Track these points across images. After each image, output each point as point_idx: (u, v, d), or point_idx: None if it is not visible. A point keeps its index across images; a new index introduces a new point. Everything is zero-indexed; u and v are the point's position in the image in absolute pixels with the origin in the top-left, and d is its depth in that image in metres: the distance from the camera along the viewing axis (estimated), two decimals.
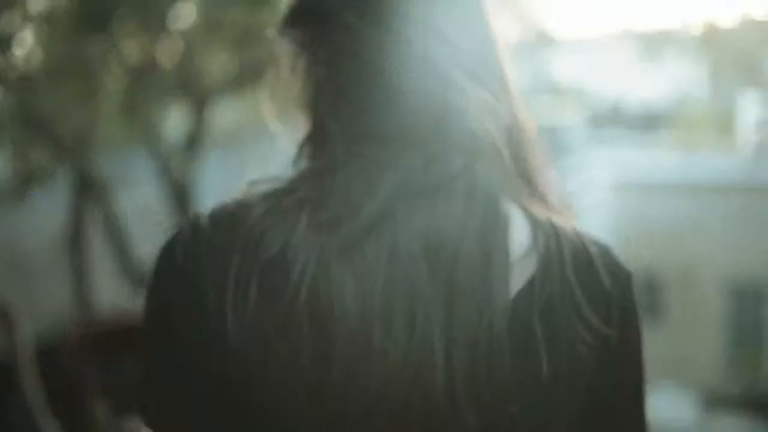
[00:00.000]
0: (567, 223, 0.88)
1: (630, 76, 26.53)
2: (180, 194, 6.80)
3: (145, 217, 9.09)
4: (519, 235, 0.82)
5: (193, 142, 6.80)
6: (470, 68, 0.84)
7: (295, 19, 0.90)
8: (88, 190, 6.38)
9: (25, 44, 6.00)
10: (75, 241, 6.52)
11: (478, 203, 0.80)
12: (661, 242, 15.14)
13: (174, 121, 7.84)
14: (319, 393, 0.77)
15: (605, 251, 0.89)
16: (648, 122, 23.51)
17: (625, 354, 0.87)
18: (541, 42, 16.68)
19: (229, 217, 0.82)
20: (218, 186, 10.48)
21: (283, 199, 0.81)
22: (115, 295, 7.73)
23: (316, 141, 0.86)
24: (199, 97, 6.58)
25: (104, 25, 5.90)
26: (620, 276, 0.89)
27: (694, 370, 14.60)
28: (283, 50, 0.90)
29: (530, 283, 0.81)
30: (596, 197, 15.27)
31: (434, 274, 0.77)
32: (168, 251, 0.83)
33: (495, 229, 0.80)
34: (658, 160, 17.24)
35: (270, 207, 0.81)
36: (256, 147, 12.16)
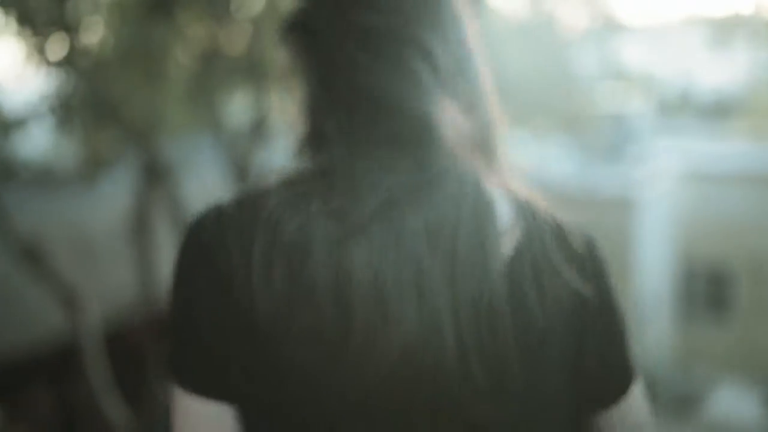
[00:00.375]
0: (538, 200, 1.02)
1: (700, 62, 25.95)
2: (244, 180, 6.84)
3: (209, 203, 9.22)
4: (503, 211, 0.96)
5: (258, 128, 6.83)
6: (448, 79, 0.96)
7: (289, 31, 1.01)
8: (154, 175, 6.46)
9: (96, 30, 6.09)
10: (140, 226, 6.62)
11: (468, 189, 0.92)
12: (731, 234, 14.79)
13: (239, 108, 7.88)
14: (340, 360, 0.87)
15: (569, 223, 1.04)
16: (718, 110, 22.99)
17: (602, 303, 0.99)
18: (609, 28, 16.37)
19: (251, 203, 0.93)
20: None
21: (292, 191, 0.92)
22: None
23: (313, 141, 0.96)
24: (263, 84, 6.61)
25: (171, 10, 5.96)
26: (587, 239, 1.03)
27: (762, 366, 14.25)
28: (284, 56, 1.02)
29: (518, 250, 0.94)
30: (664, 187, 14.97)
31: (437, 249, 0.88)
32: (195, 231, 0.96)
33: (484, 208, 0.92)
34: (728, 149, 16.82)
35: (283, 197, 0.92)
36: None
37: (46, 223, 8.11)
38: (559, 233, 0.99)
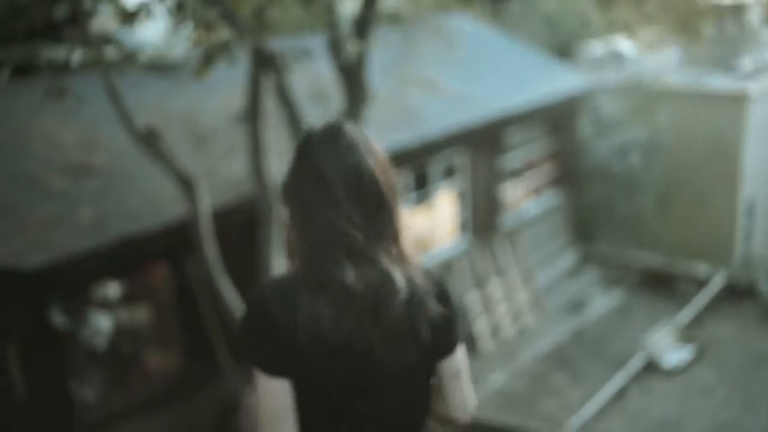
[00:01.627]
0: (416, 269, 1.98)
1: None
2: (350, 73, 7.03)
3: (318, 95, 9.43)
4: (400, 279, 1.91)
5: (364, 24, 6.95)
6: (375, 218, 1.92)
7: (282, 192, 2.02)
8: (266, 67, 6.68)
9: None
10: (252, 115, 6.88)
11: (381, 271, 1.90)
12: None
13: (347, 4, 7.99)
14: (328, 362, 1.87)
15: (428, 273, 2.01)
16: None
17: (449, 315, 2.00)
18: None
19: (277, 291, 1.91)
20: (383, 63, 10.67)
21: (298, 288, 1.89)
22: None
23: (300, 255, 1.95)
24: None
25: None
26: (441, 284, 2.02)
27: None
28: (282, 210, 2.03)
29: (407, 299, 1.91)
30: None
31: (369, 304, 1.87)
32: (256, 298, 1.93)
33: (391, 279, 1.89)
34: None
35: (293, 291, 1.89)
36: (414, 26, 12.19)
37: (163, 108, 8.51)
38: (426, 283, 1.96)
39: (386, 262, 1.91)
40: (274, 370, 1.90)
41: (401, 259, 1.95)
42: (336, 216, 1.87)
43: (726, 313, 12.84)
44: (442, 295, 1.99)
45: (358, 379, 1.92)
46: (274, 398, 1.91)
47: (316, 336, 1.85)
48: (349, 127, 1.97)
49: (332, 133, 1.94)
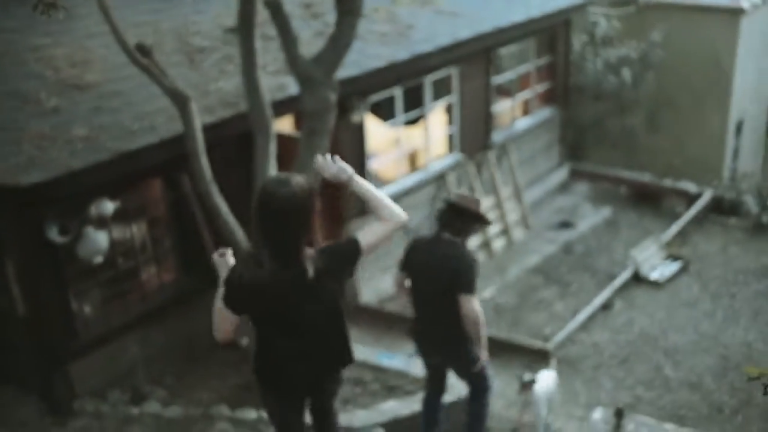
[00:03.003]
0: (317, 253, 3.56)
1: None
2: None
3: (310, 9, 9.33)
4: (310, 260, 3.50)
5: None
6: (298, 232, 3.46)
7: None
8: None
9: None
10: (244, 30, 6.84)
11: (296, 260, 3.49)
12: None
13: None
14: (268, 306, 3.57)
15: (323, 250, 3.57)
16: None
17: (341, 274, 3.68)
18: None
19: (243, 271, 3.54)
20: None
21: (253, 273, 3.52)
22: (279, 85, 8.17)
23: (257, 250, 3.57)
24: None
25: None
26: (327, 250, 3.57)
27: None
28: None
29: (315, 274, 3.51)
30: None
31: (289, 275, 3.50)
32: (233, 273, 3.56)
33: (301, 261, 3.48)
34: None
35: (251, 273, 3.52)
36: None
37: (155, 24, 8.45)
38: (322, 258, 3.50)
39: (300, 254, 3.40)
40: (236, 310, 3.54)
41: (310, 250, 3.46)
42: (270, 233, 3.37)
43: (711, 229, 13.05)
44: (330, 254, 3.52)
45: (286, 318, 3.53)
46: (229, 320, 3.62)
47: (251, 290, 3.46)
48: (286, 178, 3.36)
49: (277, 183, 3.36)
